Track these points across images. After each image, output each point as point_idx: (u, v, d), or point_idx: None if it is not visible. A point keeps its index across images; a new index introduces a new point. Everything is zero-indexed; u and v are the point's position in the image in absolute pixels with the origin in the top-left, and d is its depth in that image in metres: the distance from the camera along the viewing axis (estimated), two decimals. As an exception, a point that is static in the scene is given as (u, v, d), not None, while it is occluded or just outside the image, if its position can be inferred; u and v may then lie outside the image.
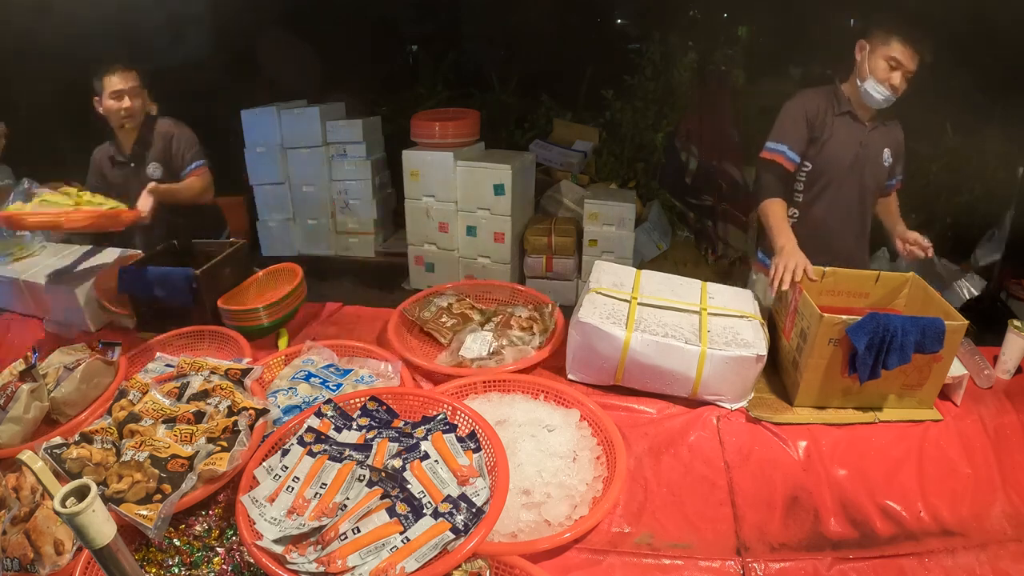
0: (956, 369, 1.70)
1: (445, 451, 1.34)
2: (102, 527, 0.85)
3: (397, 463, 1.29)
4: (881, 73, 2.04)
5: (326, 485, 1.27)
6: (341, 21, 5.29)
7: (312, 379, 1.73)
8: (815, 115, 2.17)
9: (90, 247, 2.59)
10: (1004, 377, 1.84)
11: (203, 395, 1.56)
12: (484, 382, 1.72)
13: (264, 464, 1.36)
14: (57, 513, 0.82)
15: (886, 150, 2.20)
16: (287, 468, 1.32)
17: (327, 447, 1.35)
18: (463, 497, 1.22)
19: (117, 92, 2.47)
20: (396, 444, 1.37)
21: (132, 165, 2.61)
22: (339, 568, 1.10)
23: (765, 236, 2.41)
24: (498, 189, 4.20)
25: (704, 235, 4.83)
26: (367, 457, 1.34)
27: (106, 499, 1.25)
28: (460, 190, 4.32)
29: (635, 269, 1.99)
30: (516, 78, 5.73)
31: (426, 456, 1.31)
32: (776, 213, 2.08)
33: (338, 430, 1.44)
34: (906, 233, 2.10)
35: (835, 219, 2.23)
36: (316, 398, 1.65)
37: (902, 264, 3.25)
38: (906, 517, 1.44)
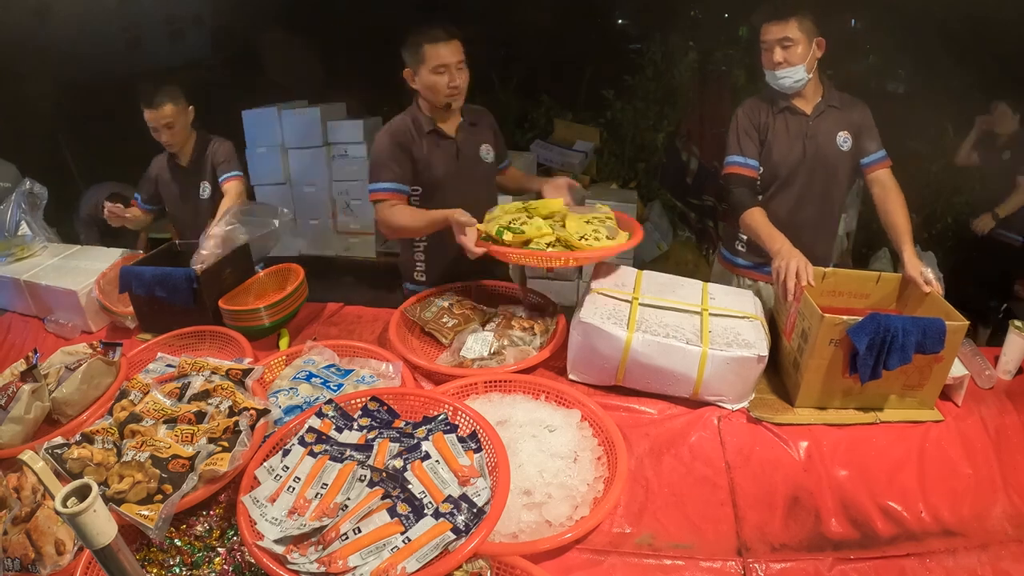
0: (957, 369, 1.69)
1: (446, 451, 1.34)
2: (103, 527, 0.85)
3: (398, 463, 1.29)
4: (766, 61, 2.10)
5: (327, 485, 1.27)
6: (342, 21, 5.29)
7: (313, 379, 1.73)
8: (757, 119, 2.19)
9: (91, 247, 2.59)
10: (1005, 378, 1.84)
11: (204, 395, 1.56)
12: (485, 382, 1.72)
13: (265, 464, 1.36)
14: (58, 513, 0.82)
15: (841, 134, 2.14)
16: (288, 468, 1.32)
17: (328, 447, 1.35)
18: (464, 497, 1.22)
19: (165, 125, 2.54)
20: (397, 444, 1.37)
21: (191, 175, 2.71)
22: (340, 568, 1.10)
23: (731, 235, 2.42)
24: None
25: (705, 236, 4.83)
26: (368, 457, 1.34)
27: (107, 499, 1.25)
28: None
29: (636, 269, 1.98)
30: (516, 78, 5.73)
31: (427, 456, 1.31)
32: (759, 221, 2.06)
33: (339, 430, 1.44)
34: (914, 266, 1.80)
35: (794, 216, 2.20)
36: (317, 398, 1.65)
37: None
38: (907, 517, 1.44)
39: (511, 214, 1.95)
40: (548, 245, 1.81)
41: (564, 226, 1.89)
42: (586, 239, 1.81)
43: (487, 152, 2.27)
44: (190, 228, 2.65)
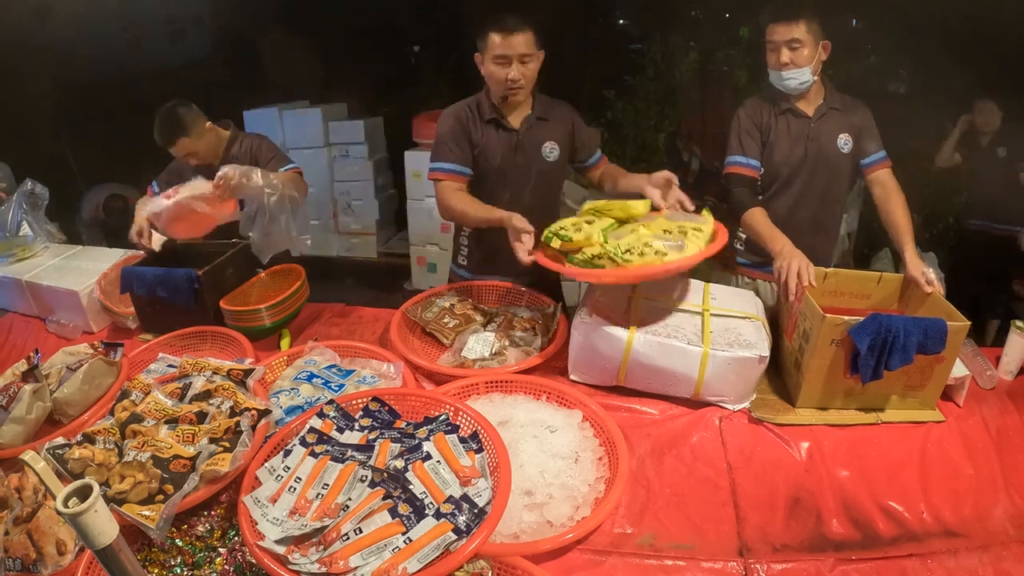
0: (958, 370, 1.69)
1: (447, 452, 1.34)
2: (104, 527, 0.85)
3: (399, 464, 1.29)
4: (772, 61, 2.09)
5: (328, 486, 1.27)
6: (343, 22, 5.29)
7: (314, 380, 1.73)
8: (759, 120, 2.19)
9: (92, 248, 2.59)
10: (1007, 378, 1.83)
11: (205, 396, 1.57)
12: (486, 383, 1.72)
13: (266, 465, 1.36)
14: (59, 513, 0.82)
15: (842, 136, 2.14)
16: (289, 469, 1.32)
17: (329, 448, 1.35)
18: (465, 498, 1.22)
19: (188, 155, 2.35)
20: (398, 445, 1.37)
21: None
22: (341, 569, 1.10)
23: (730, 234, 2.40)
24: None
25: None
26: (369, 458, 1.34)
27: (108, 499, 1.25)
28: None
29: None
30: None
31: (428, 457, 1.31)
32: (760, 220, 2.06)
33: (340, 431, 1.44)
34: (916, 266, 1.80)
35: (794, 216, 2.20)
36: (318, 399, 1.65)
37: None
38: (908, 518, 1.44)
39: (583, 216, 1.80)
40: (593, 257, 1.62)
41: (647, 228, 1.70)
42: (631, 253, 1.58)
43: (550, 150, 2.19)
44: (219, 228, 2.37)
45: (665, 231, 1.67)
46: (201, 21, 5.74)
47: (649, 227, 1.71)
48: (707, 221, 1.75)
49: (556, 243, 1.70)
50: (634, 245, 1.60)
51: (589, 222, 1.73)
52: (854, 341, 1.53)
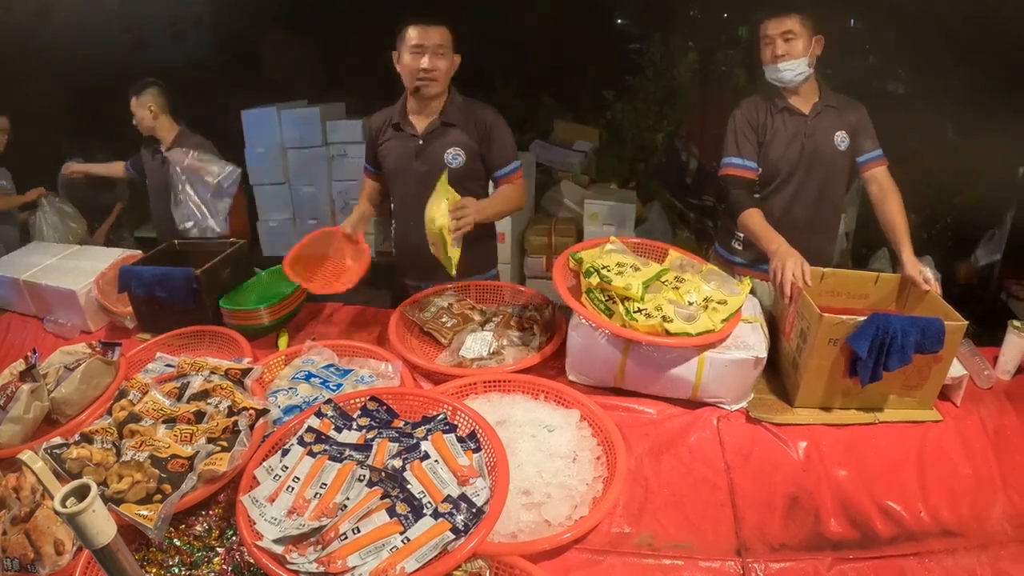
0: (956, 370, 1.69)
1: (445, 451, 1.34)
2: (102, 527, 0.85)
3: (397, 463, 1.29)
4: (767, 56, 2.12)
5: (326, 485, 1.27)
6: (342, 21, 5.29)
7: (312, 379, 1.73)
8: (756, 120, 2.20)
9: (90, 247, 2.60)
10: (1004, 378, 1.83)
11: (203, 395, 1.56)
12: (484, 382, 1.72)
13: (264, 464, 1.36)
14: (57, 513, 0.82)
15: (838, 134, 2.15)
16: (287, 468, 1.32)
17: (327, 447, 1.35)
18: (463, 497, 1.22)
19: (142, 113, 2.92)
20: (396, 444, 1.37)
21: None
22: (339, 568, 1.10)
23: (728, 233, 2.44)
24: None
25: (704, 235, 4.82)
26: (367, 457, 1.34)
27: (106, 499, 1.25)
28: (461, 190, 4.30)
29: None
30: (517, 79, 5.72)
31: (426, 456, 1.31)
32: (756, 221, 2.07)
33: (338, 430, 1.44)
34: (913, 265, 1.80)
35: (791, 214, 2.22)
36: (316, 398, 1.65)
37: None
38: (906, 518, 1.44)
39: (624, 255, 1.79)
40: (608, 300, 1.67)
41: (677, 288, 1.74)
42: (640, 313, 1.61)
43: (454, 156, 2.14)
44: (165, 221, 2.91)
45: (689, 295, 1.72)
46: (201, 22, 5.74)
47: (683, 284, 1.75)
48: (741, 292, 1.76)
49: (595, 280, 1.70)
50: (647, 306, 1.64)
51: (636, 268, 1.74)
52: (854, 348, 1.53)
